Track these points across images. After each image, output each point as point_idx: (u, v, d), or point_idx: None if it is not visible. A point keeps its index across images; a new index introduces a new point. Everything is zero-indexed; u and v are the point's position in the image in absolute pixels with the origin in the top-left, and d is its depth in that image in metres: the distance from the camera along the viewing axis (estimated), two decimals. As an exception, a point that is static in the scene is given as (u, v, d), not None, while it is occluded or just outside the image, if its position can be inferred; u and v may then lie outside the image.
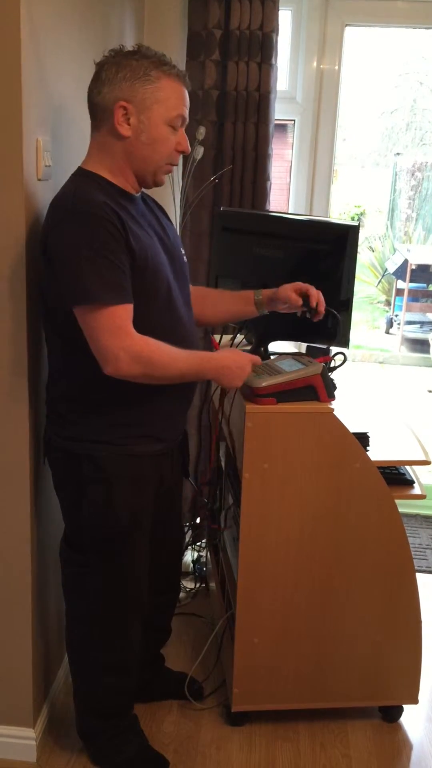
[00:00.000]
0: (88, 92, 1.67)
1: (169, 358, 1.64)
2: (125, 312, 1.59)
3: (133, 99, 1.61)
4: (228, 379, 1.73)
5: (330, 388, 1.89)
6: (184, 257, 1.86)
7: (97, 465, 1.72)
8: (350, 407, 1.89)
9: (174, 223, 2.27)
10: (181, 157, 1.74)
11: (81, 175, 1.67)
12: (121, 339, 1.57)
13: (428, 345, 7.90)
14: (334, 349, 2.00)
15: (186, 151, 1.71)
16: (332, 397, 1.90)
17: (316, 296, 1.86)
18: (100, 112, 1.65)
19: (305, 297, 1.87)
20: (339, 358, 1.94)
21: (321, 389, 1.88)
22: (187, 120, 1.71)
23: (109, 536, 1.77)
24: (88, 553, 1.81)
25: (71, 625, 1.93)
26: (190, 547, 2.95)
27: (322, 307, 1.87)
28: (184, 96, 1.67)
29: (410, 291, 8.42)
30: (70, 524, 1.85)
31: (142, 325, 1.62)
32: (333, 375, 1.95)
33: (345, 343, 2.01)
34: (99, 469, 1.72)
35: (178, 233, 1.99)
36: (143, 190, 1.77)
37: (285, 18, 2.78)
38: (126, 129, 1.63)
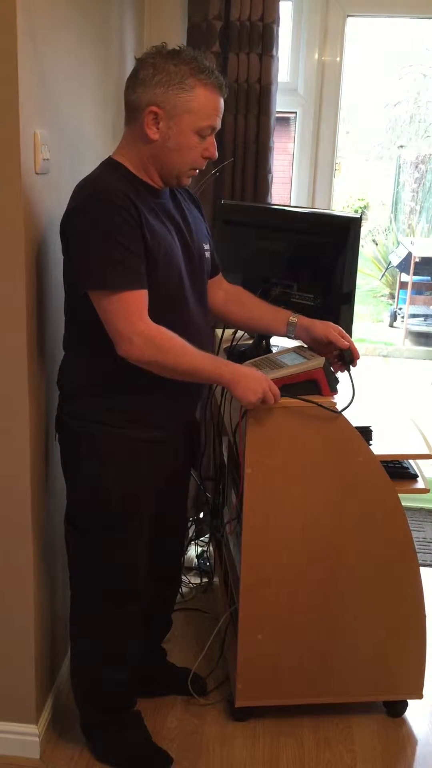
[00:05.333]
0: (125, 87, 1.67)
1: (183, 350, 1.65)
2: (139, 297, 1.62)
3: (164, 105, 1.61)
4: (242, 388, 1.71)
5: (332, 381, 1.88)
6: (207, 253, 1.86)
7: (93, 444, 1.74)
8: (354, 400, 1.88)
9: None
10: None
11: (108, 164, 1.71)
12: (134, 324, 1.60)
13: (432, 338, 7.89)
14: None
15: (213, 158, 1.70)
16: (334, 391, 1.88)
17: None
18: (132, 110, 1.67)
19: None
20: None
21: (323, 383, 1.86)
22: (218, 127, 1.69)
23: (101, 516, 1.79)
24: (86, 532, 1.83)
25: (73, 610, 1.94)
26: (193, 542, 2.95)
27: (357, 357, 1.88)
28: (219, 106, 1.66)
29: (414, 284, 8.40)
30: (70, 501, 1.87)
31: (152, 317, 1.64)
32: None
33: (347, 336, 2.00)
34: (95, 448, 1.75)
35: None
36: None
37: (286, 9, 2.76)
38: (154, 133, 1.64)
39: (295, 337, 1.95)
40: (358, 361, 1.89)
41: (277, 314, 1.96)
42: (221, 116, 1.69)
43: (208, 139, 1.69)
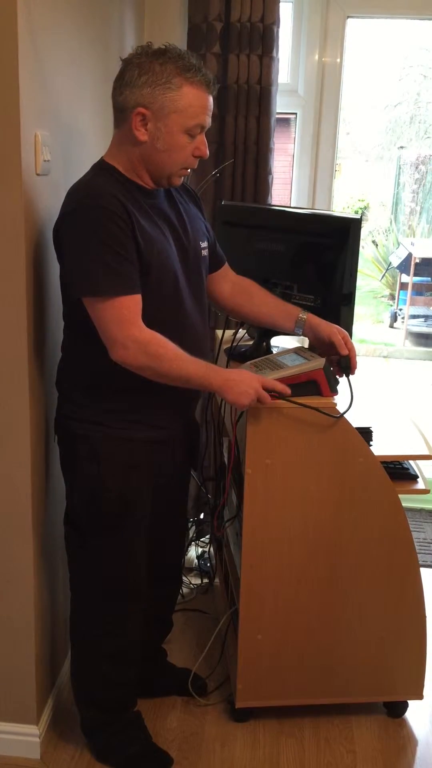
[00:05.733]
0: (112, 89, 1.66)
1: (176, 356, 1.64)
2: (133, 303, 1.61)
3: (152, 105, 1.59)
4: (233, 394, 1.70)
5: (333, 382, 1.88)
6: (204, 251, 1.84)
7: (91, 445, 1.74)
8: (354, 402, 1.88)
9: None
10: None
11: (100, 167, 1.70)
12: (128, 329, 1.60)
13: (433, 339, 7.89)
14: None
15: (204, 156, 1.69)
16: (335, 392, 1.89)
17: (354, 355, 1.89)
18: (119, 112, 1.65)
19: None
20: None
21: (323, 384, 1.86)
22: (208, 125, 1.67)
23: (100, 516, 1.79)
24: (85, 533, 1.83)
25: (73, 608, 1.94)
26: (194, 542, 2.95)
27: (355, 366, 1.88)
28: (207, 104, 1.63)
29: (414, 285, 8.40)
30: (69, 502, 1.87)
31: (147, 320, 1.63)
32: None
33: (348, 337, 2.00)
34: (93, 449, 1.75)
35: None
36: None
37: (286, 10, 2.76)
38: (142, 134, 1.62)
39: (303, 334, 1.95)
40: (356, 371, 1.89)
41: (285, 310, 1.95)
42: (210, 114, 1.66)
43: (199, 137, 1.66)
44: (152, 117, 1.60)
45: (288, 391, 1.77)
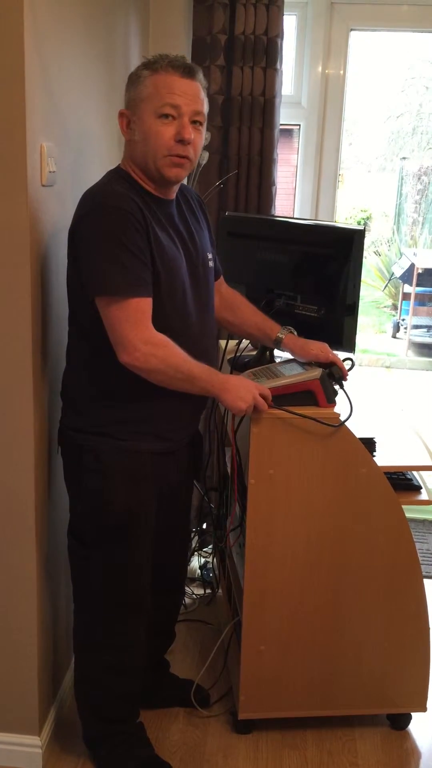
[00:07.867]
0: None
1: (183, 358, 1.66)
2: (146, 305, 1.63)
3: (128, 104, 1.70)
4: (232, 397, 1.71)
5: (330, 393, 1.87)
6: (211, 262, 1.86)
7: (96, 456, 1.74)
8: (356, 412, 1.88)
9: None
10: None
11: (115, 172, 1.74)
12: (140, 331, 1.61)
13: (435, 349, 7.88)
14: (341, 355, 1.99)
15: (185, 138, 1.64)
16: (332, 403, 1.88)
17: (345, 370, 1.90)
18: None
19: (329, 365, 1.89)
20: (347, 363, 1.93)
21: (320, 394, 1.85)
22: (185, 106, 1.63)
23: (104, 528, 1.78)
24: (89, 544, 1.82)
25: (76, 620, 1.94)
26: (196, 553, 2.94)
27: (346, 374, 1.90)
28: (173, 84, 1.62)
29: (417, 295, 8.40)
30: (73, 514, 1.87)
31: (155, 327, 1.64)
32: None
33: (351, 347, 2.00)
34: (97, 461, 1.74)
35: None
36: (184, 189, 1.84)
37: (290, 23, 2.78)
38: (127, 133, 1.70)
39: (286, 352, 1.97)
40: (347, 377, 1.90)
41: (265, 329, 1.97)
42: (187, 95, 1.63)
43: (179, 121, 1.64)
44: (129, 114, 1.69)
45: (269, 393, 1.77)
